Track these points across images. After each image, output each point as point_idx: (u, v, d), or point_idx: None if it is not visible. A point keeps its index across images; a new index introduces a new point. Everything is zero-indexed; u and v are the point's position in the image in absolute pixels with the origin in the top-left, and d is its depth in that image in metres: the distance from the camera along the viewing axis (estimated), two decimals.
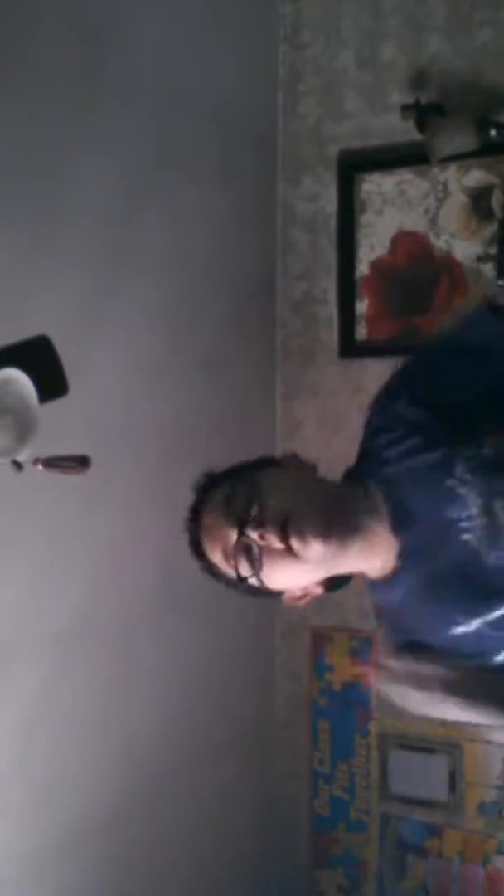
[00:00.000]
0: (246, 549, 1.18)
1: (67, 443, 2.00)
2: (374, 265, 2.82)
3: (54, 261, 2.05)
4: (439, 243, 2.72)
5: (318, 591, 1.29)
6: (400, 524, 1.22)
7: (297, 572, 1.20)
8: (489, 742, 2.68)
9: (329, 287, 2.89)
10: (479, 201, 2.66)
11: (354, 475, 1.31)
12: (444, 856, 2.75)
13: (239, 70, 2.75)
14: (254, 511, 1.18)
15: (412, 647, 1.26)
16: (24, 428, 1.90)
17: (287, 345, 2.97)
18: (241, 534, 1.18)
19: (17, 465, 1.88)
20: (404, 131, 2.64)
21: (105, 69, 2.21)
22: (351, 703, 2.88)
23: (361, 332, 2.84)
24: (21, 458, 1.88)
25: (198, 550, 1.28)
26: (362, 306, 2.83)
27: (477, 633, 1.19)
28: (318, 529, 1.16)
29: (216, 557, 1.24)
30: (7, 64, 1.94)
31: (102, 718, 2.24)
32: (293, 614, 2.96)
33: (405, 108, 2.60)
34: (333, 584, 1.30)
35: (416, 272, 2.75)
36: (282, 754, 3.00)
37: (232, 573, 1.22)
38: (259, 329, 2.92)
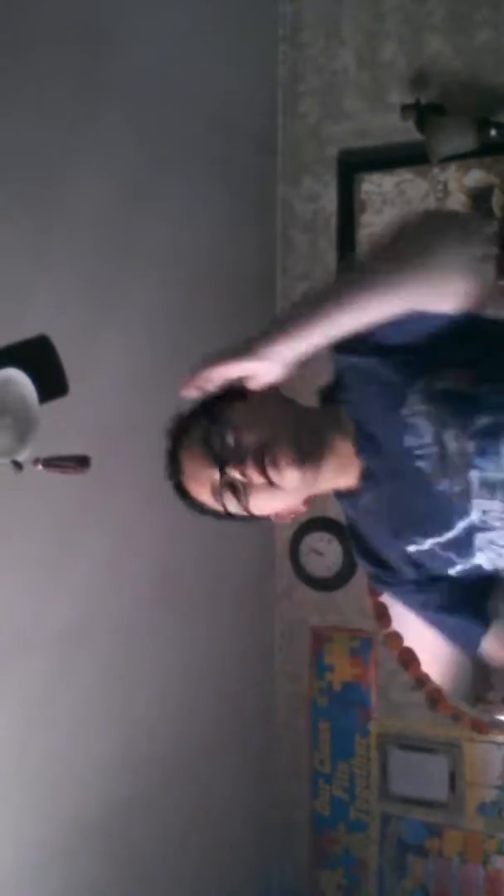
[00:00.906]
0: (230, 486, 1.25)
1: (67, 443, 2.00)
2: None
3: (54, 261, 2.05)
4: None
5: (304, 508, 1.35)
6: (362, 447, 1.31)
7: (279, 499, 1.27)
8: (490, 742, 2.68)
9: None
10: (479, 201, 2.66)
11: (326, 397, 1.40)
12: (444, 856, 2.75)
13: (239, 70, 2.75)
14: (231, 448, 1.25)
15: (381, 581, 1.38)
16: (24, 428, 1.90)
17: None
18: (223, 472, 1.25)
19: (17, 465, 1.88)
20: (404, 131, 2.64)
21: (105, 69, 2.21)
22: (351, 703, 2.88)
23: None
24: (21, 458, 1.88)
25: (182, 492, 1.34)
26: None
27: (430, 552, 1.29)
28: (292, 458, 1.24)
29: (203, 496, 1.30)
30: (8, 64, 1.94)
31: (102, 718, 2.24)
32: (293, 614, 2.96)
33: (405, 108, 2.61)
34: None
35: None
36: (282, 754, 3.00)
37: (220, 509, 1.29)
38: (259, 329, 2.91)
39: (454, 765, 2.72)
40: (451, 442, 1.22)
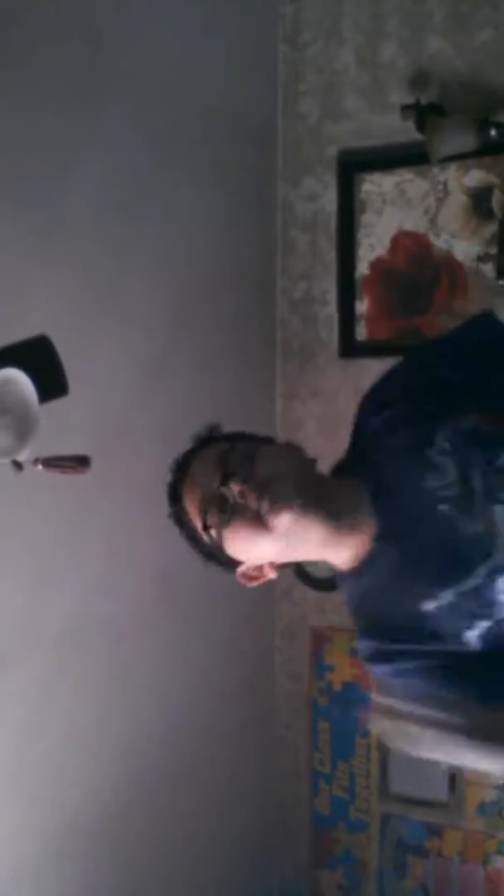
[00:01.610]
0: (221, 501, 1.21)
1: (67, 443, 2.00)
2: (374, 265, 2.82)
3: (54, 261, 2.05)
4: (439, 243, 2.72)
5: (272, 574, 1.30)
6: (381, 501, 1.25)
7: (258, 542, 1.21)
8: None
9: (329, 287, 2.89)
10: (479, 201, 2.66)
11: (342, 468, 1.35)
12: (444, 856, 2.75)
13: (239, 70, 2.75)
14: (244, 468, 1.21)
15: (383, 655, 1.27)
16: (24, 428, 1.90)
17: (287, 345, 2.97)
18: (224, 483, 1.20)
19: (17, 465, 1.88)
20: (404, 131, 2.64)
21: (105, 69, 2.21)
22: (351, 703, 2.87)
23: (361, 332, 2.84)
24: (21, 458, 1.88)
25: (174, 494, 1.30)
26: (362, 306, 2.83)
27: (449, 606, 1.19)
28: (290, 501, 1.18)
29: (191, 505, 1.26)
30: (7, 64, 1.94)
31: (102, 718, 2.24)
32: (293, 614, 2.96)
33: (405, 108, 2.61)
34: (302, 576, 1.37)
35: (416, 272, 2.75)
36: (282, 754, 3.00)
37: (198, 522, 1.24)
38: (259, 329, 2.92)
39: (454, 765, 2.72)
40: (477, 480, 1.19)
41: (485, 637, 1.19)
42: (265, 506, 1.17)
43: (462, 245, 2.69)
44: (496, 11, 2.65)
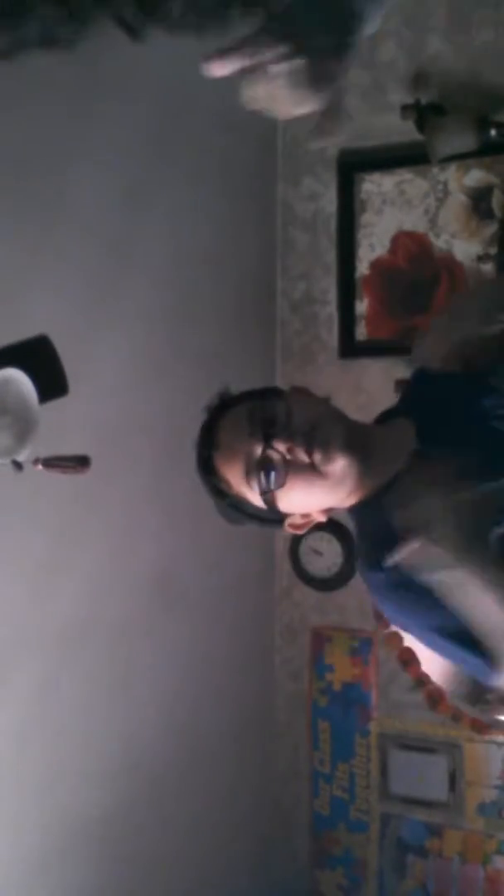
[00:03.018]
0: (269, 464, 1.18)
1: (67, 443, 2.00)
2: (374, 265, 2.82)
3: (54, 261, 2.05)
4: (439, 243, 2.72)
5: (322, 518, 1.29)
6: (427, 429, 1.24)
7: (317, 491, 1.20)
8: (490, 742, 2.68)
9: (329, 287, 2.89)
10: (479, 201, 2.66)
11: (388, 414, 1.35)
12: (444, 856, 2.75)
13: None
14: (281, 424, 1.18)
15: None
16: (24, 428, 1.90)
17: (287, 345, 2.97)
18: (269, 445, 1.17)
19: (17, 465, 1.88)
20: (404, 131, 2.64)
21: (105, 68, 2.21)
22: (351, 703, 2.87)
23: (361, 332, 2.84)
24: (21, 458, 1.88)
25: (209, 468, 1.26)
26: (362, 306, 2.83)
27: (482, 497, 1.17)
28: (343, 442, 1.17)
29: (231, 474, 1.22)
30: (7, 63, 1.93)
31: (102, 718, 2.24)
32: (293, 614, 2.96)
33: (405, 108, 2.60)
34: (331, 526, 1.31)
35: (416, 272, 2.75)
36: (282, 754, 3.00)
37: (249, 490, 1.21)
38: (259, 329, 2.92)
39: (454, 765, 2.72)
40: None
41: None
42: (318, 456, 1.17)
43: (462, 245, 2.69)
44: (496, 11, 2.64)
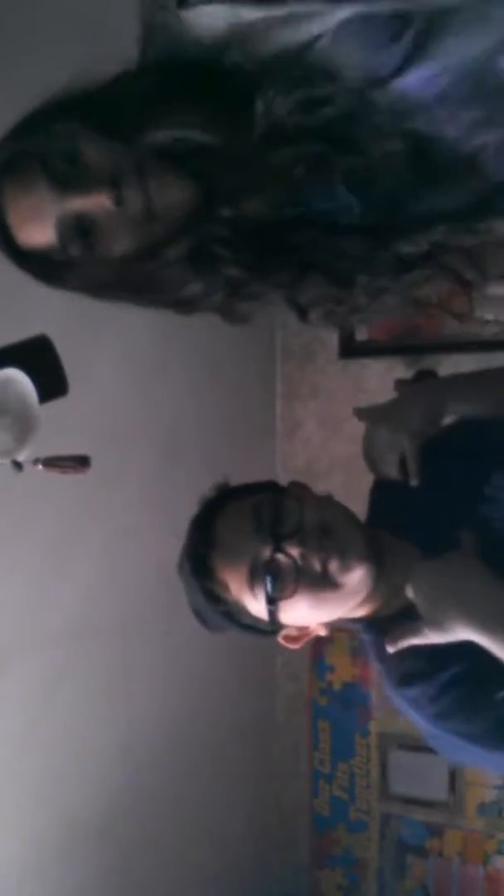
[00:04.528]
0: (276, 570, 1.04)
1: (67, 443, 2.00)
2: None
3: None
4: None
5: (323, 631, 1.17)
6: (426, 543, 1.13)
7: (325, 602, 1.08)
8: None
9: None
10: None
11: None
12: (444, 856, 2.75)
13: None
14: (290, 523, 1.06)
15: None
16: (24, 428, 1.89)
17: (287, 345, 2.97)
18: (279, 549, 1.04)
19: (17, 465, 1.88)
20: None
21: (104, 67, 2.21)
22: (351, 703, 2.87)
23: (361, 332, 2.83)
24: (21, 458, 1.88)
25: (204, 568, 1.11)
26: None
27: None
28: (360, 550, 1.06)
29: (232, 577, 1.09)
30: (6, 64, 1.93)
31: (102, 718, 2.24)
32: None
33: None
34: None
35: None
36: (282, 754, 2.99)
37: (251, 597, 1.08)
38: (259, 329, 2.91)
39: (454, 765, 2.72)
40: None
41: None
42: (334, 564, 1.04)
43: None
44: None
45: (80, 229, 0.92)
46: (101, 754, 2.24)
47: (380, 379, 2.77)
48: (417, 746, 2.77)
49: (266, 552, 1.05)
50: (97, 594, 2.20)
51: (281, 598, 1.06)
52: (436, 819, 2.76)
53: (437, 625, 1.00)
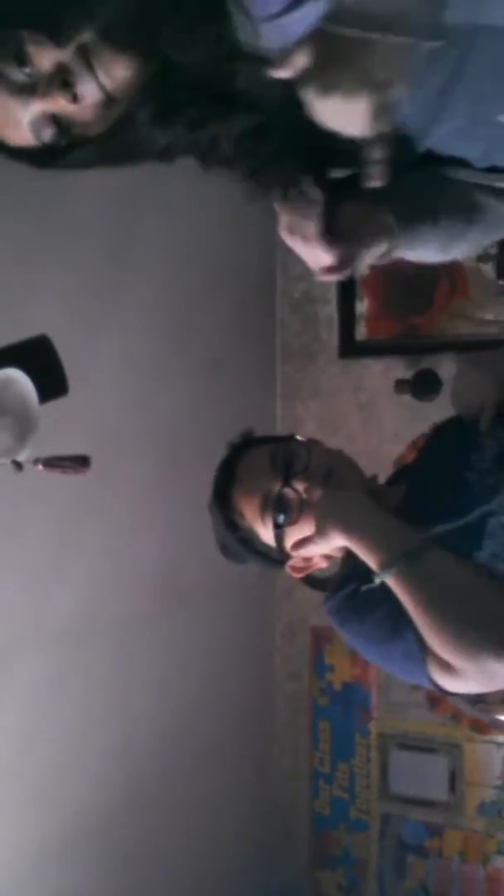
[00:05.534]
0: (284, 502, 1.25)
1: (67, 443, 2.00)
2: (374, 265, 2.81)
3: (54, 261, 2.05)
4: None
5: (324, 564, 1.34)
6: (415, 487, 1.31)
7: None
8: (490, 742, 2.68)
9: (329, 287, 2.89)
10: None
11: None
12: (444, 856, 2.75)
13: None
14: (300, 465, 1.25)
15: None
16: (24, 428, 1.90)
17: (287, 345, 2.97)
18: (287, 484, 1.24)
19: (17, 465, 1.88)
20: None
21: None
22: (351, 703, 2.88)
23: (361, 332, 2.84)
24: (21, 458, 1.88)
25: (224, 499, 1.32)
26: (362, 306, 2.83)
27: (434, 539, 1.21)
28: (356, 486, 1.23)
29: (248, 507, 1.28)
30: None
31: (102, 718, 2.24)
32: (293, 614, 2.96)
33: None
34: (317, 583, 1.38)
35: (416, 272, 2.75)
36: (282, 754, 3.00)
37: (262, 524, 1.26)
38: (259, 329, 2.92)
39: (454, 765, 2.72)
40: None
41: None
42: None
43: None
44: None
45: (52, 124, 1.00)
46: (101, 754, 2.24)
47: (380, 379, 2.77)
48: (417, 746, 2.78)
49: (276, 487, 1.25)
50: (97, 594, 2.20)
51: (286, 525, 1.25)
52: (436, 819, 2.76)
53: (321, 531, 1.19)
